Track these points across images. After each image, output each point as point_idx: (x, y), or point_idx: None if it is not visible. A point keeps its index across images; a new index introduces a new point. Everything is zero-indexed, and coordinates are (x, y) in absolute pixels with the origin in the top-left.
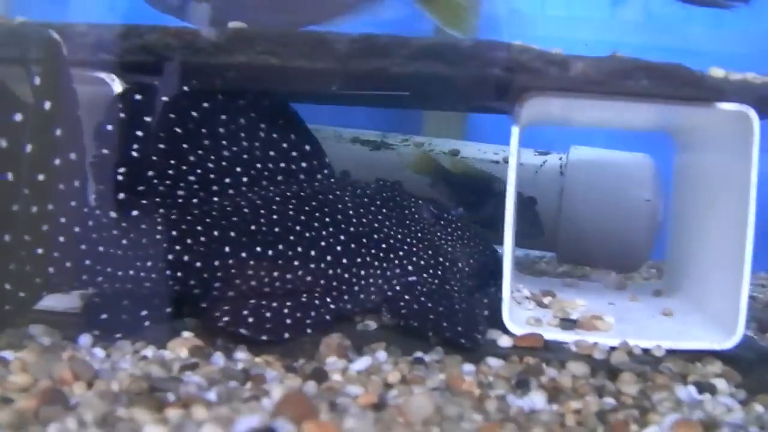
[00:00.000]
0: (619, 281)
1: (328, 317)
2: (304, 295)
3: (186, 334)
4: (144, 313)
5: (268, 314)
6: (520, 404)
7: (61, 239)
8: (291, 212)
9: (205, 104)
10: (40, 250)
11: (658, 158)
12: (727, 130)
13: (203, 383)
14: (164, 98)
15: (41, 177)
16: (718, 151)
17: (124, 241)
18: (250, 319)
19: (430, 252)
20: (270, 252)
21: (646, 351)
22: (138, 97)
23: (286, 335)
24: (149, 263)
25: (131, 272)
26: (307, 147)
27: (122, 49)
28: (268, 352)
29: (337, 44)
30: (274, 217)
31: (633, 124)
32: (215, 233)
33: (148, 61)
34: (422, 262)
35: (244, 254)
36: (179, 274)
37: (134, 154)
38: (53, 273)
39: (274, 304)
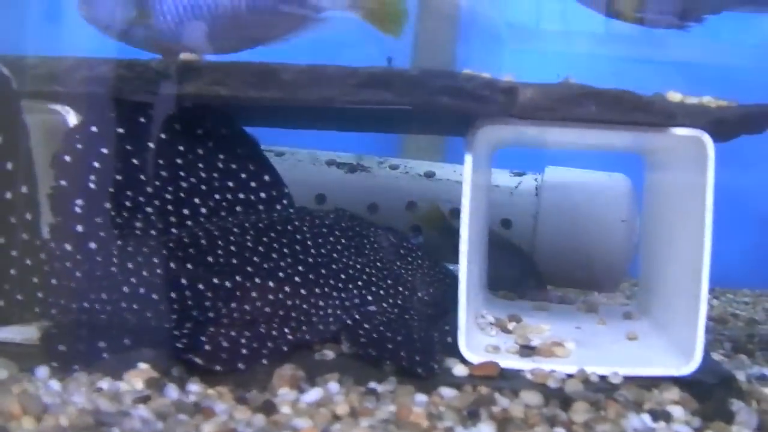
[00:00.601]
0: (590, 304)
1: (285, 347)
2: (262, 326)
3: (142, 365)
4: (102, 344)
5: (224, 344)
6: None
7: (13, 272)
8: (250, 242)
9: (162, 134)
10: None
11: (636, 178)
12: (684, 153)
13: (150, 418)
14: (119, 129)
15: None
16: (677, 173)
17: (78, 273)
18: (206, 348)
19: (389, 281)
20: (228, 282)
21: (603, 378)
22: (93, 129)
23: (240, 365)
24: (104, 295)
25: (86, 304)
26: (266, 177)
27: (75, 81)
28: (222, 383)
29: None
30: (233, 247)
31: (597, 146)
32: (173, 264)
33: (100, 93)
34: (381, 291)
35: (201, 285)
36: (135, 305)
37: (91, 185)
38: (3, 306)
39: (232, 334)
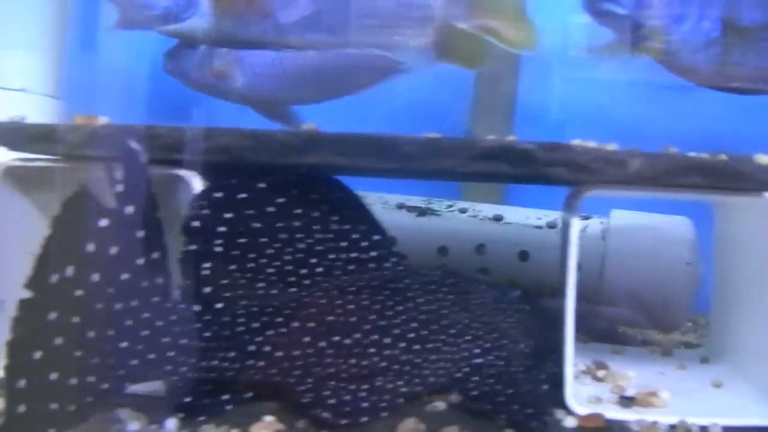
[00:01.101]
0: (665, 348)
1: (400, 400)
2: (378, 379)
3: (268, 418)
4: (226, 397)
5: (346, 397)
6: None
7: (145, 333)
8: (365, 300)
9: (281, 199)
10: (124, 344)
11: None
12: None
13: None
14: (242, 195)
15: (125, 276)
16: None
17: (207, 333)
18: (331, 401)
19: (494, 334)
20: (347, 339)
21: (703, 428)
22: (218, 195)
23: (364, 419)
24: (232, 353)
25: (214, 362)
26: (376, 237)
27: (201, 150)
28: None
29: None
30: (350, 306)
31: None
32: (295, 323)
33: (224, 161)
34: (487, 345)
35: (322, 343)
36: (261, 363)
37: (217, 249)
38: (137, 364)
39: (352, 387)
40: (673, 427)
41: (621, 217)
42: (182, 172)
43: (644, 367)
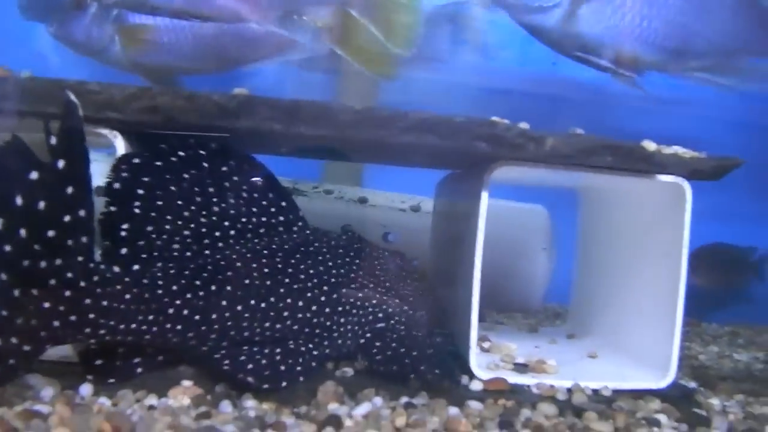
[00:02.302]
0: (531, 325)
1: (314, 363)
2: (291, 343)
3: (186, 382)
4: (137, 360)
5: (263, 361)
6: None
7: (68, 293)
8: (277, 265)
9: (195, 169)
10: (47, 304)
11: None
12: (661, 196)
13: (233, 430)
14: (159, 162)
15: (51, 233)
16: (647, 213)
17: (127, 296)
18: (250, 366)
19: (397, 300)
20: (261, 303)
21: (595, 391)
22: (137, 160)
23: (284, 383)
24: (150, 316)
25: (133, 325)
26: (283, 203)
27: (134, 110)
28: (270, 400)
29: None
30: (264, 270)
31: (581, 185)
32: (211, 287)
33: (155, 121)
34: (390, 310)
35: (239, 306)
36: (178, 326)
37: (136, 211)
38: (58, 326)
39: (266, 351)
40: (569, 390)
41: None
42: (106, 131)
43: (519, 341)
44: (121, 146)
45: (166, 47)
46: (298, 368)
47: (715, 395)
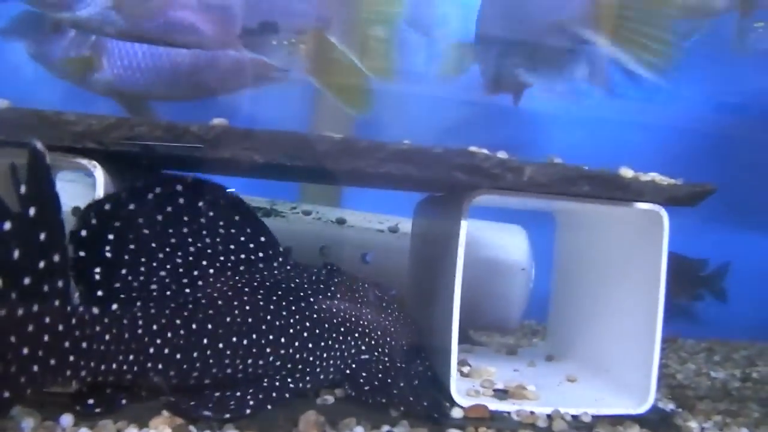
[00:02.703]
0: (510, 347)
1: (287, 395)
2: (266, 378)
3: (166, 412)
4: (122, 393)
5: (230, 394)
6: None
7: (46, 338)
8: (258, 301)
9: (168, 207)
10: (25, 351)
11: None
12: (638, 222)
13: None
14: (130, 206)
15: (27, 281)
16: (624, 238)
17: (107, 336)
18: (214, 399)
19: (378, 331)
20: (243, 340)
21: (574, 417)
22: (107, 207)
23: (248, 411)
24: (131, 356)
25: (113, 366)
26: (262, 238)
27: (111, 140)
28: (250, 428)
29: (318, 145)
30: (245, 307)
31: (560, 210)
32: (192, 325)
33: (133, 151)
34: (373, 342)
35: (220, 344)
36: (159, 365)
37: (108, 255)
38: (37, 371)
39: (238, 392)
40: (549, 416)
41: None
42: (85, 162)
43: (498, 364)
44: (100, 176)
45: (142, 74)
46: (268, 399)
47: (693, 417)
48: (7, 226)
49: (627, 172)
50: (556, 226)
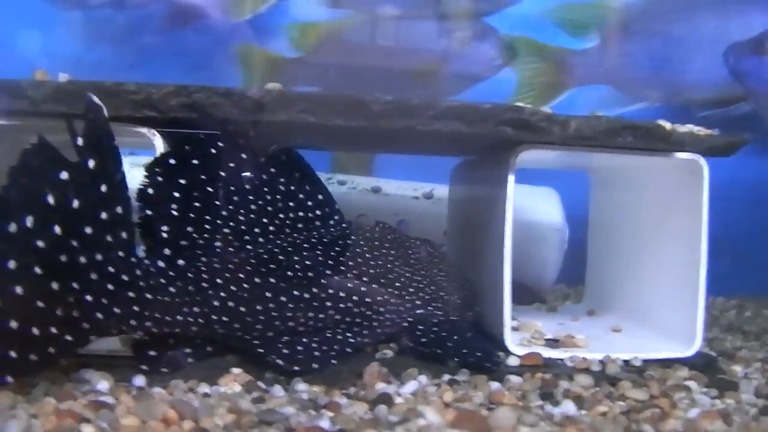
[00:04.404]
0: (550, 305)
1: (348, 349)
2: (328, 332)
3: (236, 370)
4: (187, 350)
5: (299, 348)
6: (558, 411)
7: (110, 287)
8: (317, 257)
9: (232, 164)
10: (88, 297)
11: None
12: (677, 174)
13: (293, 412)
14: (194, 161)
15: (89, 230)
16: (664, 190)
17: (171, 289)
18: (285, 351)
19: (432, 286)
20: (303, 294)
21: (625, 362)
22: (172, 161)
23: (315, 365)
24: (195, 308)
25: (179, 317)
26: (320, 196)
27: (171, 107)
28: (317, 383)
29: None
30: (305, 262)
31: (602, 167)
32: (255, 279)
33: (192, 118)
34: (427, 296)
35: (282, 297)
36: (224, 318)
37: (174, 213)
38: (102, 318)
39: (304, 340)
40: (601, 362)
41: None
42: (144, 130)
43: (543, 320)
44: (159, 144)
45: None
46: (332, 353)
47: (735, 363)
48: (65, 175)
49: (665, 124)
50: (591, 185)
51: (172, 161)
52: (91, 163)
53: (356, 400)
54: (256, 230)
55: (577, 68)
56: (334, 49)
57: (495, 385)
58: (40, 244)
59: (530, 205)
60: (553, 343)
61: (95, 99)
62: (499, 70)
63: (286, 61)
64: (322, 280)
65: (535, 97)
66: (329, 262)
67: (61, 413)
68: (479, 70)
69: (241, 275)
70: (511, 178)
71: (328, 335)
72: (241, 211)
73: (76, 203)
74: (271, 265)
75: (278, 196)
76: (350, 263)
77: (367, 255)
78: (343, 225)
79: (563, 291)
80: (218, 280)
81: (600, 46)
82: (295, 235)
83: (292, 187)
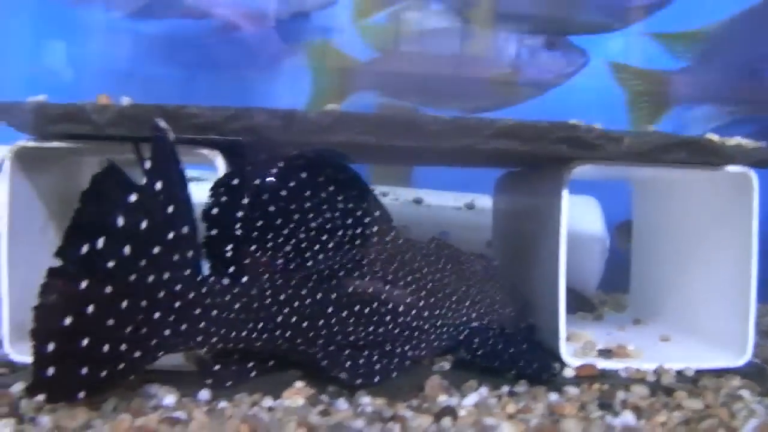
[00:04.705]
0: (597, 314)
1: (407, 363)
2: (388, 345)
3: (299, 383)
4: (250, 365)
5: (361, 361)
6: (618, 422)
7: (177, 304)
8: (376, 272)
9: (292, 183)
10: (156, 315)
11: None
12: (725, 186)
13: (362, 425)
14: (256, 182)
15: (156, 250)
16: (712, 202)
17: (236, 305)
18: (347, 365)
19: (487, 299)
20: (364, 309)
21: (678, 372)
22: (235, 182)
23: (377, 378)
24: (259, 324)
25: (243, 333)
26: (377, 212)
27: (231, 130)
28: (380, 396)
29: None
30: (365, 277)
31: (652, 178)
32: (317, 295)
33: (252, 140)
34: (482, 309)
35: (343, 312)
36: (288, 333)
37: (237, 233)
38: (169, 335)
39: (366, 353)
40: (655, 372)
41: None
42: (206, 152)
43: (590, 330)
44: (221, 164)
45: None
46: (392, 366)
47: None
48: (133, 198)
49: (713, 137)
50: (635, 194)
51: (235, 182)
52: (158, 186)
53: (420, 412)
54: (317, 247)
55: (677, 87)
56: (405, 54)
57: (554, 396)
58: (111, 264)
59: (574, 215)
60: (606, 353)
61: (162, 123)
62: (571, 78)
63: (359, 64)
64: (382, 295)
65: (643, 117)
66: (388, 277)
67: (137, 430)
68: (551, 78)
69: (303, 291)
70: (565, 193)
71: (388, 348)
72: (302, 228)
73: (144, 224)
74: (332, 281)
75: (337, 214)
76: (408, 278)
77: (424, 270)
78: (400, 242)
79: (600, 297)
80: (281, 297)
81: (695, 66)
82: (354, 251)
83: (351, 205)
